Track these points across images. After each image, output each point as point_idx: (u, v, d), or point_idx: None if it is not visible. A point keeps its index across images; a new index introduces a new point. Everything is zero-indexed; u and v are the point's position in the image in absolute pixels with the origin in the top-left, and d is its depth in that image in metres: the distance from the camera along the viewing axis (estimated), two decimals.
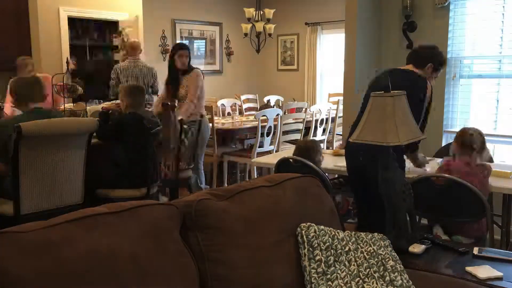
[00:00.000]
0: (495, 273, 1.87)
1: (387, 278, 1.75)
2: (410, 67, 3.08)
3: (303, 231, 1.75)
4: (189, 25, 8.25)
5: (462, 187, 2.67)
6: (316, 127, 6.08)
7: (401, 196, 2.22)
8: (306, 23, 8.58)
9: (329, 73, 8.34)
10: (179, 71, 4.89)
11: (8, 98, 4.15)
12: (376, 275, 1.74)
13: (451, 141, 3.93)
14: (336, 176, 4.08)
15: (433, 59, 3.06)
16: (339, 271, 1.71)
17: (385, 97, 2.16)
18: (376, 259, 1.79)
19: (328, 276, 1.69)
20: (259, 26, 6.80)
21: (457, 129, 3.58)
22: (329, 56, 8.52)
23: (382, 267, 1.77)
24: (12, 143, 2.90)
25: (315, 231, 1.76)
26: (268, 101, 7.35)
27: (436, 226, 2.91)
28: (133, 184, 3.56)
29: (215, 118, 6.29)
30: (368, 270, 1.75)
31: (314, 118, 6.06)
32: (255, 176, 5.30)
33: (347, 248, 1.78)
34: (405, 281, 1.76)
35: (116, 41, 6.54)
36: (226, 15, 8.69)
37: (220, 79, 8.31)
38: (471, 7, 4.33)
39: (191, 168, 4.34)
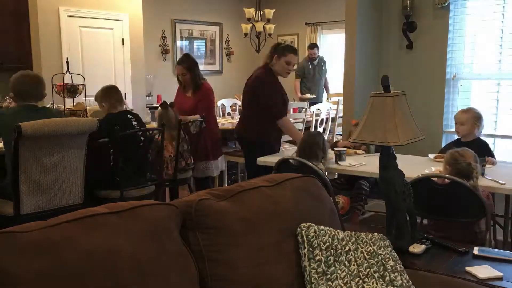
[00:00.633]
0: (495, 273, 1.87)
1: (387, 278, 1.75)
2: None
3: (303, 231, 1.75)
4: (189, 25, 8.26)
5: (462, 187, 2.67)
6: (316, 127, 6.08)
7: (401, 196, 2.22)
8: (306, 23, 8.59)
9: (329, 73, 8.33)
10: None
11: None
12: (376, 275, 1.74)
13: (450, 141, 3.94)
14: (336, 176, 4.09)
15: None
16: (339, 271, 1.71)
17: (385, 97, 2.16)
18: (376, 259, 1.79)
19: (328, 276, 1.69)
20: (259, 26, 6.80)
21: None
22: (329, 56, 8.53)
23: (382, 267, 1.78)
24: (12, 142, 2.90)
25: (315, 231, 1.76)
26: None
27: None
28: (131, 184, 3.55)
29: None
30: (368, 270, 1.75)
31: (314, 118, 6.06)
32: None
33: (347, 248, 1.78)
34: (405, 281, 1.76)
35: None
36: (226, 15, 8.70)
37: (220, 79, 8.32)
38: (471, 7, 4.33)
39: (191, 168, 4.33)
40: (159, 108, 4.27)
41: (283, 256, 1.73)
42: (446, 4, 4.27)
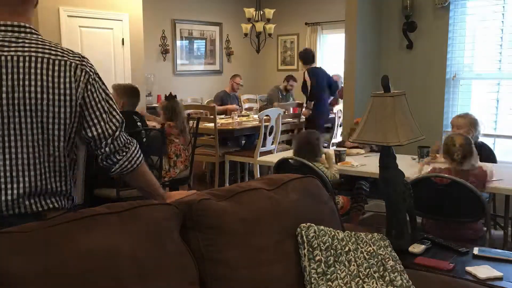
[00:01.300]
0: (495, 273, 1.87)
1: (387, 278, 1.75)
2: None
3: (303, 231, 1.75)
4: (189, 25, 8.26)
5: (462, 187, 2.67)
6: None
7: (401, 196, 2.22)
8: (306, 23, 8.59)
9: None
10: None
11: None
12: (376, 275, 1.74)
13: None
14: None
15: None
16: (339, 271, 1.71)
17: (385, 97, 2.16)
18: (376, 259, 1.79)
19: (328, 276, 1.69)
20: (259, 26, 6.80)
21: None
22: (329, 56, 8.53)
23: (382, 267, 1.78)
24: None
25: (315, 231, 1.76)
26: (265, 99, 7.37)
27: None
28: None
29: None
30: (368, 270, 1.75)
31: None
32: (258, 176, 5.29)
33: (347, 248, 1.78)
34: (405, 281, 1.76)
35: None
36: (226, 15, 8.70)
37: (220, 79, 8.31)
38: (471, 7, 4.33)
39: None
40: (165, 100, 4.27)
41: (283, 256, 1.73)
42: (446, 4, 4.27)
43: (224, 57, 8.91)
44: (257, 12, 6.84)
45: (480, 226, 2.86)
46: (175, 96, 4.29)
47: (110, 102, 1.65)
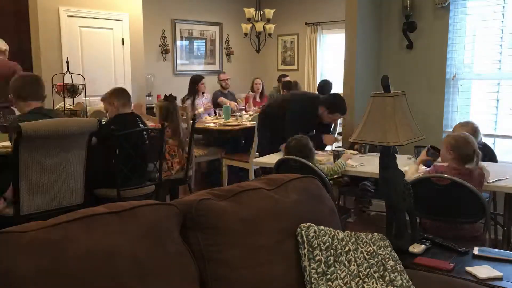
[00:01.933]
0: (495, 273, 1.87)
1: (387, 278, 1.75)
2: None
3: (303, 231, 1.75)
4: (189, 25, 8.26)
5: (462, 188, 2.67)
6: None
7: (401, 196, 2.22)
8: (306, 23, 8.58)
9: (329, 73, 8.34)
10: None
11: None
12: (376, 275, 1.74)
13: None
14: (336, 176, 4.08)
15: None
16: (339, 271, 1.71)
17: (385, 97, 2.16)
18: (376, 259, 1.79)
19: (328, 276, 1.69)
20: (259, 26, 6.80)
21: None
22: (329, 56, 8.53)
23: (382, 267, 1.78)
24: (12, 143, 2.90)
25: (315, 231, 1.76)
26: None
27: None
28: (133, 183, 3.55)
29: (213, 117, 6.30)
30: (368, 270, 1.75)
31: None
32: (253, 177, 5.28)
33: (347, 248, 1.78)
34: (405, 281, 1.76)
35: None
36: (226, 15, 8.69)
37: None
38: (471, 7, 4.33)
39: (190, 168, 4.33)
40: (163, 100, 4.27)
41: (283, 256, 1.73)
42: (446, 4, 4.27)
43: (224, 57, 8.91)
44: (257, 12, 6.84)
45: (480, 226, 2.86)
46: (175, 97, 4.30)
47: None
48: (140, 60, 6.80)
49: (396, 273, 1.77)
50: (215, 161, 5.76)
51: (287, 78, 7.56)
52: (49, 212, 2.99)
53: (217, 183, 5.37)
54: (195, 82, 6.66)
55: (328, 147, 4.41)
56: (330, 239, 1.76)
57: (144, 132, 3.65)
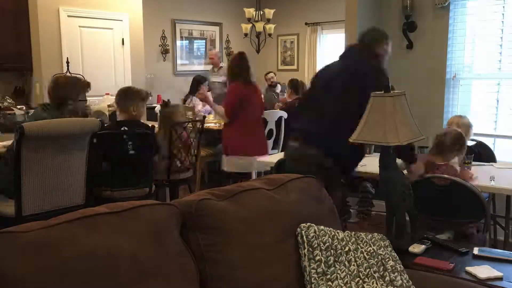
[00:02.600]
0: (495, 273, 1.87)
1: (387, 278, 1.75)
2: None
3: (303, 231, 1.75)
4: (189, 25, 8.26)
5: (462, 188, 2.67)
6: None
7: (401, 196, 2.22)
8: (306, 23, 8.59)
9: None
10: None
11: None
12: (376, 275, 1.74)
13: None
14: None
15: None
16: (339, 271, 1.71)
17: (385, 97, 2.16)
18: (376, 259, 1.79)
19: (328, 276, 1.69)
20: (259, 26, 6.81)
21: None
22: (329, 56, 8.53)
23: (382, 267, 1.78)
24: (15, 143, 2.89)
25: (315, 231, 1.76)
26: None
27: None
28: (133, 184, 3.55)
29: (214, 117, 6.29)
30: (368, 270, 1.75)
31: None
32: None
33: (347, 248, 1.78)
34: (405, 281, 1.76)
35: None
36: (226, 15, 8.70)
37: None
38: (471, 7, 4.33)
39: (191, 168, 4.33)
40: (162, 107, 4.29)
41: (283, 256, 1.73)
42: (446, 4, 4.27)
43: (224, 57, 8.92)
44: (257, 12, 6.84)
45: (480, 226, 2.86)
46: (168, 100, 4.29)
47: None
48: (140, 60, 6.80)
49: (396, 273, 1.77)
50: (217, 162, 5.77)
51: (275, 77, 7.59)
52: (51, 213, 2.97)
53: (221, 182, 5.38)
54: (199, 82, 6.64)
55: None
56: (330, 239, 1.76)
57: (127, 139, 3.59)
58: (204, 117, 4.51)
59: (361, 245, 1.82)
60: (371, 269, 1.75)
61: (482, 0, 4.28)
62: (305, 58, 8.68)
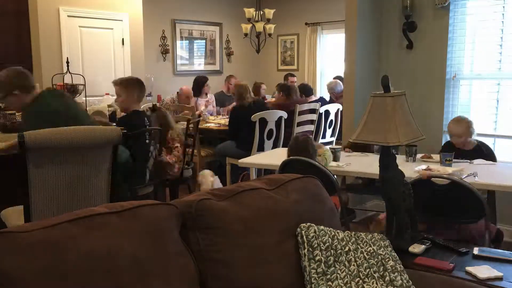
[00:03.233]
0: (495, 273, 1.87)
1: (387, 278, 1.75)
2: None
3: (303, 231, 1.75)
4: (189, 25, 8.26)
5: (462, 188, 2.67)
6: (325, 128, 6.02)
7: (401, 196, 2.22)
8: (306, 23, 8.59)
9: (329, 73, 8.34)
10: None
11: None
12: (376, 275, 1.74)
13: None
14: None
15: None
16: (339, 271, 1.71)
17: (385, 97, 2.16)
18: (376, 259, 1.79)
19: (328, 276, 1.69)
20: (259, 26, 6.80)
21: None
22: (329, 56, 8.53)
23: (382, 267, 1.78)
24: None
25: (315, 231, 1.76)
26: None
27: None
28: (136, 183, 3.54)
29: (215, 117, 6.31)
30: (368, 270, 1.75)
31: (323, 119, 5.98)
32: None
33: (347, 248, 1.78)
34: (405, 281, 1.76)
35: None
36: (226, 15, 8.70)
37: (220, 79, 8.30)
38: (471, 7, 4.33)
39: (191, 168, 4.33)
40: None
41: (283, 256, 1.73)
42: (446, 4, 4.27)
43: (224, 57, 8.91)
44: (257, 12, 6.84)
45: (480, 226, 2.86)
46: (154, 105, 4.30)
47: None
48: (140, 60, 6.80)
49: (396, 273, 1.77)
50: (217, 161, 5.77)
51: (294, 79, 7.53)
52: None
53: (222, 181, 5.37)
54: (200, 83, 6.65)
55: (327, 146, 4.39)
56: (330, 239, 1.76)
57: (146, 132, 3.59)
58: (199, 116, 4.51)
59: (361, 245, 1.82)
60: (371, 269, 1.75)
61: (482, 0, 4.28)
62: (305, 58, 8.68)
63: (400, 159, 3.55)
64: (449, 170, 2.99)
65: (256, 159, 3.90)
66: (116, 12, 6.43)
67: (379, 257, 1.80)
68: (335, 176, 3.15)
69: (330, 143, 5.97)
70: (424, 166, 3.20)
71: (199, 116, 4.57)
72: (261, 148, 5.16)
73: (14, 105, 3.11)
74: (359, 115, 4.24)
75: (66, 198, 2.61)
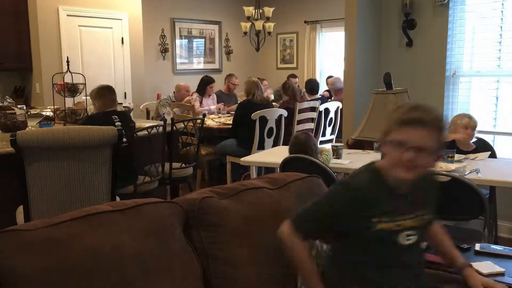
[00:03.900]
0: (497, 269, 1.87)
1: None
2: None
3: None
4: (188, 24, 8.25)
5: (462, 184, 2.68)
6: (325, 126, 6.02)
7: None
8: (305, 21, 8.58)
9: (329, 71, 8.34)
10: None
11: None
12: None
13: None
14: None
15: None
16: None
17: (388, 94, 2.17)
18: None
19: None
20: (259, 24, 6.80)
21: None
22: (329, 54, 8.53)
23: None
24: None
25: None
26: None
27: None
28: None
29: (215, 116, 6.30)
30: None
31: (323, 117, 5.97)
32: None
33: None
34: None
35: None
36: (226, 13, 8.69)
37: (220, 77, 8.30)
38: (471, 5, 4.33)
39: (193, 166, 4.33)
40: None
41: (285, 255, 1.73)
42: (446, 1, 4.27)
43: (223, 55, 8.91)
44: (256, 10, 6.84)
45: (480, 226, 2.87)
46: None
47: None
48: (140, 59, 6.80)
49: None
50: (217, 160, 5.77)
51: (296, 80, 7.51)
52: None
53: (221, 180, 5.38)
54: (207, 83, 6.64)
55: (327, 145, 4.40)
56: None
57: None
58: (204, 115, 4.51)
59: None
60: None
61: None
62: (304, 56, 8.67)
63: None
64: (451, 166, 2.97)
65: (257, 158, 3.90)
66: (115, 11, 6.43)
67: None
68: (335, 173, 3.15)
69: (330, 141, 5.97)
70: None
71: (204, 116, 4.56)
72: (261, 147, 5.13)
73: None
74: (359, 113, 4.24)
75: (65, 198, 2.61)
